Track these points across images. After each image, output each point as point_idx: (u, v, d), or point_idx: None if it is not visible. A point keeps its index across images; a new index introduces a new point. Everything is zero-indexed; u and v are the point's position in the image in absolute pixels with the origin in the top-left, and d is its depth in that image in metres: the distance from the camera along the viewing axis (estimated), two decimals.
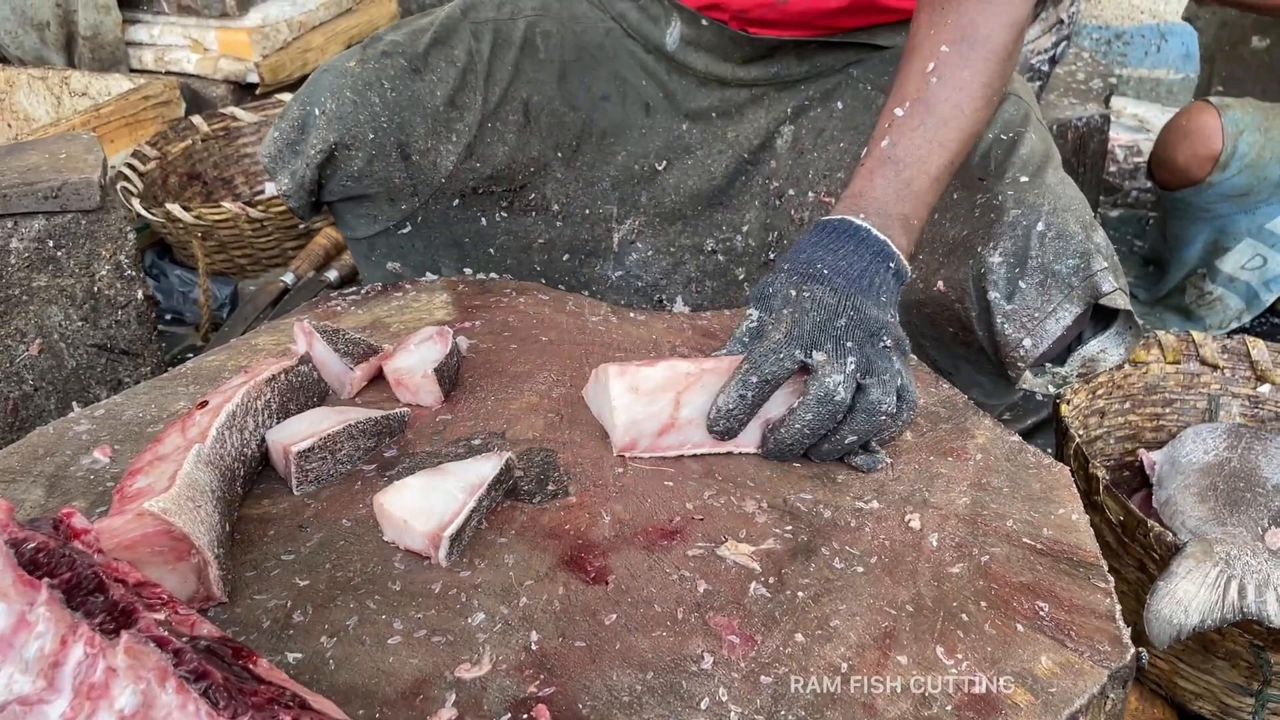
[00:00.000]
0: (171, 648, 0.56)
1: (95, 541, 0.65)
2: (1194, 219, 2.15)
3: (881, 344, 0.89)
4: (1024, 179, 1.13)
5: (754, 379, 0.86)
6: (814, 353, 0.86)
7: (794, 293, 0.90)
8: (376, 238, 1.39)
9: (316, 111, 1.26)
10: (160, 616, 0.60)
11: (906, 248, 0.97)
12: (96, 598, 0.60)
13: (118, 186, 2.20)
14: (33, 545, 0.59)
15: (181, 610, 0.63)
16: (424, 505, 0.76)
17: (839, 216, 0.96)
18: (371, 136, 1.27)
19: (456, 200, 1.37)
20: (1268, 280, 2.08)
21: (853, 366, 0.86)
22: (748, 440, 0.90)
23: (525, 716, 0.64)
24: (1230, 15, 2.45)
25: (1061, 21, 2.22)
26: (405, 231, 1.38)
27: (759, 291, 0.94)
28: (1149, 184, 2.22)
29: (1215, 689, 1.20)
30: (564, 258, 1.46)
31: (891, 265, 0.94)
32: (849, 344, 0.87)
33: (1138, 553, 1.19)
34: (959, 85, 1.02)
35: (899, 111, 1.02)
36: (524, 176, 1.39)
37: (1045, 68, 2.23)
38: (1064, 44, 2.24)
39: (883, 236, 0.94)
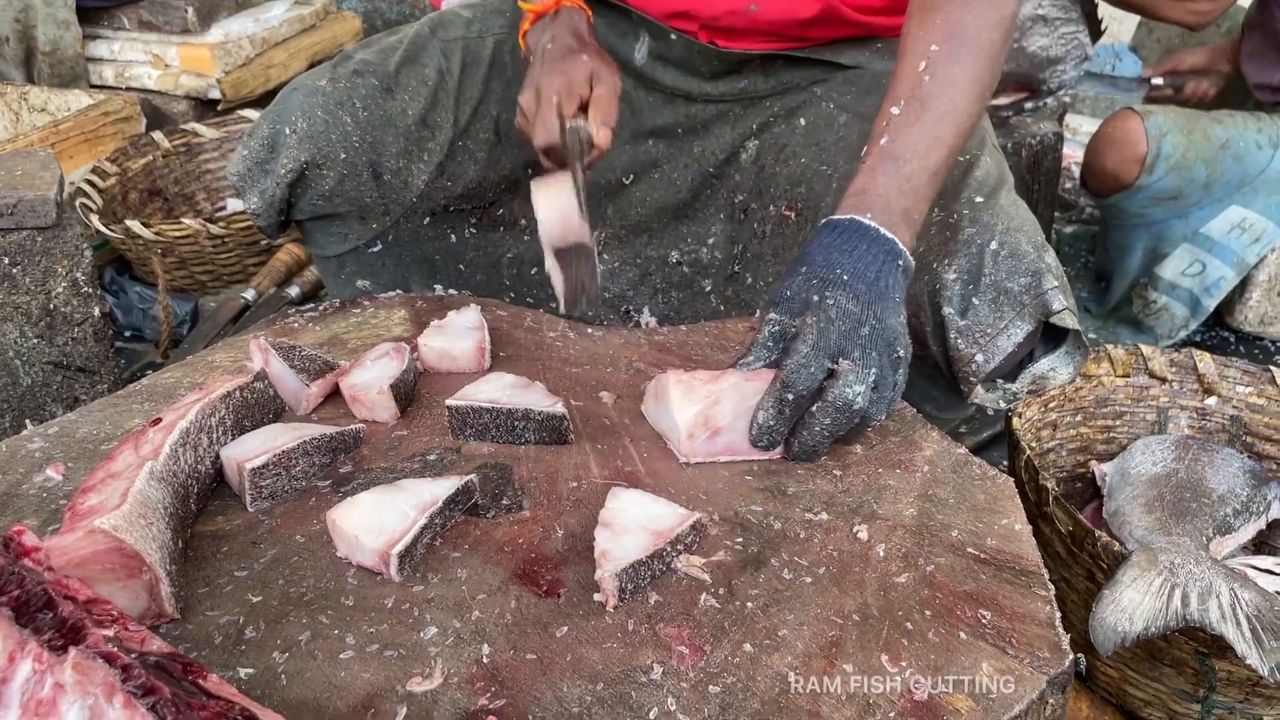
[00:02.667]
0: (120, 664, 0.56)
1: (45, 559, 0.66)
2: (1131, 226, 2.21)
3: (895, 354, 0.92)
4: (979, 199, 1.15)
5: (789, 396, 0.89)
6: (840, 360, 0.90)
7: (816, 298, 0.93)
8: (346, 256, 1.39)
9: (287, 130, 1.26)
10: (109, 633, 0.61)
11: (909, 242, 1.00)
12: (45, 615, 0.60)
13: (76, 203, 2.18)
14: None
15: (131, 627, 0.64)
16: (375, 522, 0.77)
17: (848, 216, 0.99)
18: (343, 156, 1.27)
19: (427, 218, 1.38)
20: (1208, 286, 2.14)
21: (873, 378, 0.90)
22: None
23: None
24: (1174, 43, 2.54)
25: None
26: (376, 250, 1.38)
27: (777, 294, 0.96)
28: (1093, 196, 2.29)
29: (1163, 696, 1.22)
30: (533, 271, 1.48)
31: (900, 263, 0.97)
32: (872, 354, 0.90)
33: (1086, 562, 1.22)
34: (951, 81, 1.06)
35: (895, 110, 1.05)
36: (494, 194, 1.40)
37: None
38: None
39: (890, 235, 0.97)
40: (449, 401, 0.93)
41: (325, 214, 1.34)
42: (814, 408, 0.90)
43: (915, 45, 1.08)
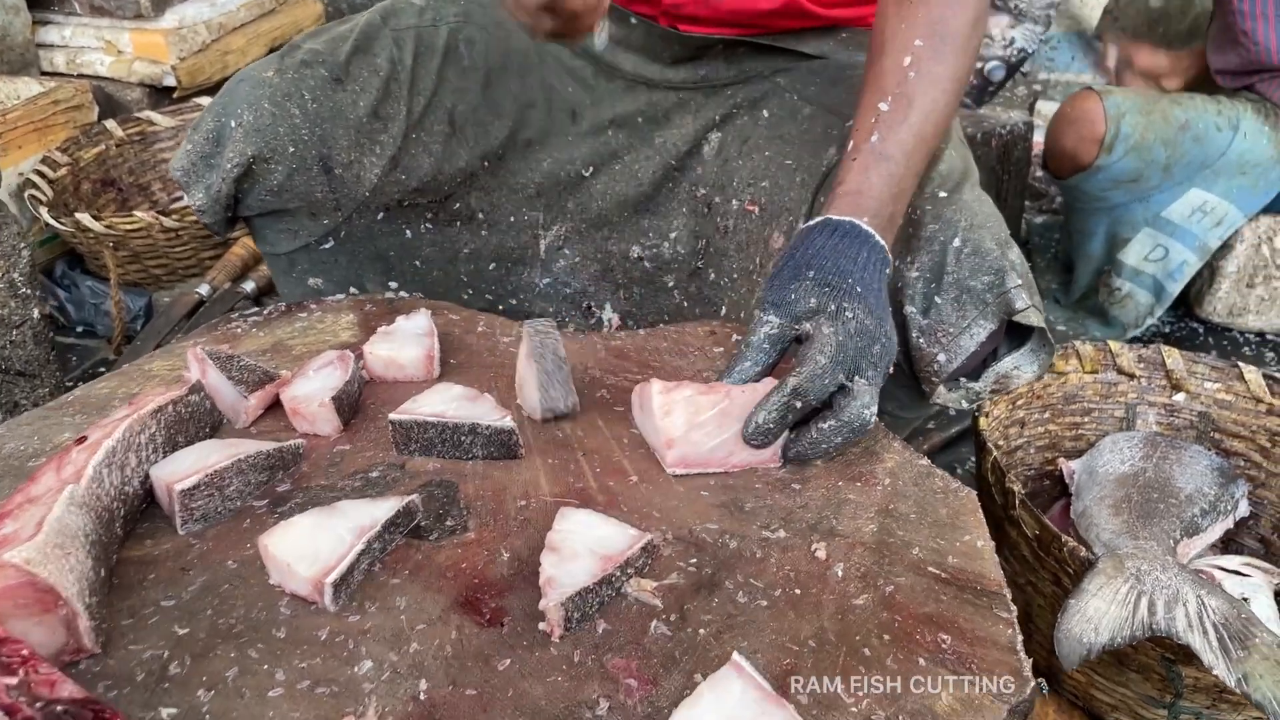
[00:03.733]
0: (21, 716, 0.53)
1: None
2: (1091, 210, 2.19)
3: (889, 371, 0.92)
4: (942, 194, 1.13)
5: (798, 404, 0.88)
6: (855, 378, 0.89)
7: (833, 307, 0.91)
8: (297, 253, 1.34)
9: (233, 123, 1.22)
10: (13, 681, 0.57)
11: (891, 247, 1.00)
12: None
13: (25, 195, 2.12)
14: None
15: (42, 669, 0.60)
16: (310, 548, 0.73)
17: (847, 219, 0.97)
18: (291, 149, 1.23)
19: (381, 213, 1.33)
20: (1171, 271, 2.13)
21: (877, 394, 0.90)
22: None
23: None
24: (1140, 31, 2.53)
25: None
26: (328, 246, 1.34)
27: (777, 296, 0.94)
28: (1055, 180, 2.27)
29: (1130, 701, 1.21)
30: (490, 267, 1.44)
31: (887, 272, 0.97)
32: (881, 372, 0.90)
33: (1053, 566, 1.20)
34: (935, 79, 1.05)
35: (883, 106, 1.04)
36: (450, 187, 1.36)
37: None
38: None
39: (883, 242, 0.97)
40: (392, 416, 0.90)
41: (274, 210, 1.29)
42: (825, 424, 0.89)
43: (897, 38, 1.07)
